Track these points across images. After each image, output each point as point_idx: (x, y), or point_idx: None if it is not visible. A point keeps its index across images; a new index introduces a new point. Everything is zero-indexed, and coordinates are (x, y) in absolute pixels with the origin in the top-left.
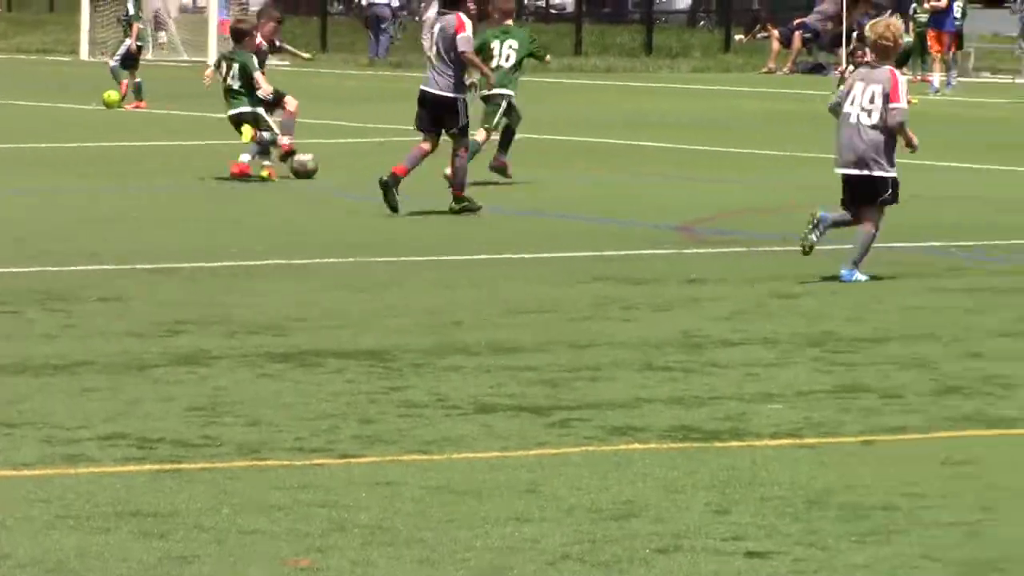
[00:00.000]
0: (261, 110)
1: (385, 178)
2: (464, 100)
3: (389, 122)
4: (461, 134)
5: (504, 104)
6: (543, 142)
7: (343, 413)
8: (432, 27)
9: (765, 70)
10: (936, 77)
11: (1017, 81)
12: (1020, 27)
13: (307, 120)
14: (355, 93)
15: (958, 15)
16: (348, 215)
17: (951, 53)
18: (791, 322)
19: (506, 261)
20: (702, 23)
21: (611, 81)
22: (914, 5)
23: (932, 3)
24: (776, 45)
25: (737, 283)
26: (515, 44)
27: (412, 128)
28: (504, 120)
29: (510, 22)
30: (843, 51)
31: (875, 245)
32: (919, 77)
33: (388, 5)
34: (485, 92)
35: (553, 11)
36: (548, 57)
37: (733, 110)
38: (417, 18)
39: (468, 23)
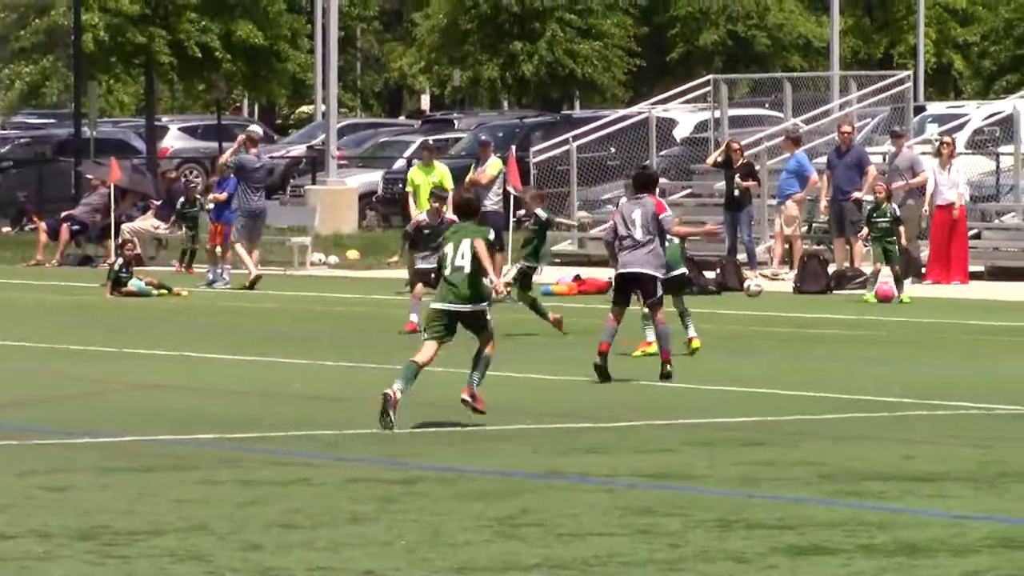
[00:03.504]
0: None
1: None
2: None
3: None
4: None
5: None
6: None
7: None
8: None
9: (33, 262)
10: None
11: (289, 272)
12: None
13: None
14: None
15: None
16: None
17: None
18: (62, 515)
19: None
20: None
21: None
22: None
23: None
24: (44, 237)
25: (7, 476)
26: None
27: None
28: None
29: None
30: (111, 243)
31: (139, 439)
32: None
33: None
34: None
35: None
36: None
37: (2, 303)
38: None
39: None
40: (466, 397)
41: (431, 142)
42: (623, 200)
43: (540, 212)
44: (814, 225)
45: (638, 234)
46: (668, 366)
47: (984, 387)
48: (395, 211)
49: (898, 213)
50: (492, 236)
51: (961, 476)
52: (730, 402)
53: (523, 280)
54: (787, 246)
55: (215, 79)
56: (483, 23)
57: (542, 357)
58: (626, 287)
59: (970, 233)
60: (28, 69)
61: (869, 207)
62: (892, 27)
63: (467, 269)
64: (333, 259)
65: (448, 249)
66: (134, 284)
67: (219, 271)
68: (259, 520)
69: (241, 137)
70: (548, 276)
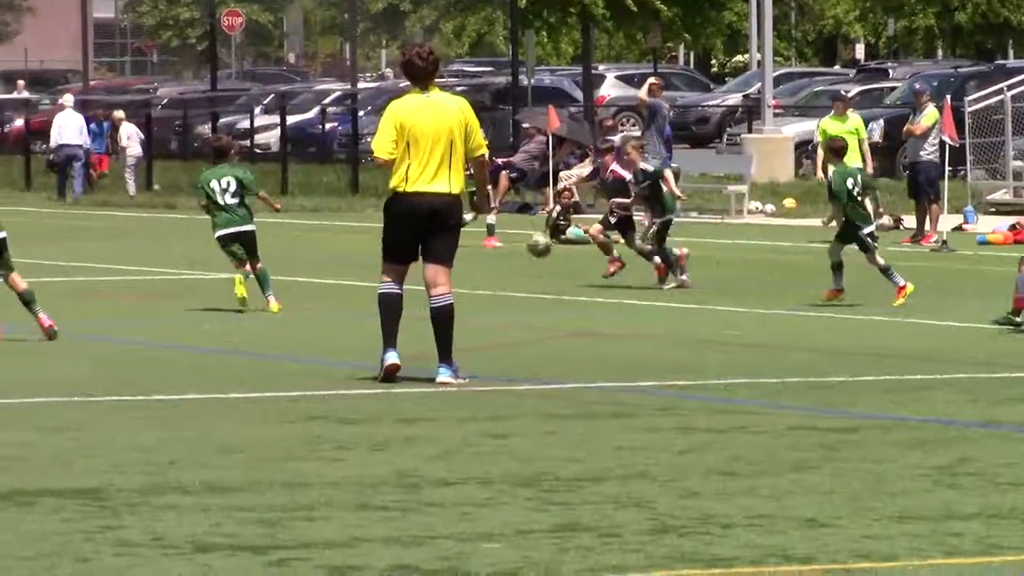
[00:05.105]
0: None
1: None
2: None
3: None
4: None
5: None
6: (248, 282)
7: (58, 552)
8: None
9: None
10: None
11: (726, 220)
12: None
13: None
14: (55, 231)
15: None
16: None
17: None
18: (504, 462)
19: (216, 400)
20: None
21: (318, 220)
22: None
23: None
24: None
25: (449, 422)
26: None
27: None
28: None
29: None
30: (550, 191)
31: (580, 386)
32: None
33: (80, 146)
34: None
35: (258, 151)
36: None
37: None
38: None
39: None
40: None
41: (843, 93)
42: None
43: (646, 166)
44: None
45: None
46: None
47: None
48: None
49: None
50: None
51: None
52: None
53: (661, 233)
54: None
55: (651, 28)
56: None
57: (963, 307)
58: None
59: None
60: (472, 19)
61: None
62: None
63: None
64: (770, 207)
65: None
66: (572, 232)
67: None
68: (699, 467)
69: (651, 81)
70: (984, 225)
